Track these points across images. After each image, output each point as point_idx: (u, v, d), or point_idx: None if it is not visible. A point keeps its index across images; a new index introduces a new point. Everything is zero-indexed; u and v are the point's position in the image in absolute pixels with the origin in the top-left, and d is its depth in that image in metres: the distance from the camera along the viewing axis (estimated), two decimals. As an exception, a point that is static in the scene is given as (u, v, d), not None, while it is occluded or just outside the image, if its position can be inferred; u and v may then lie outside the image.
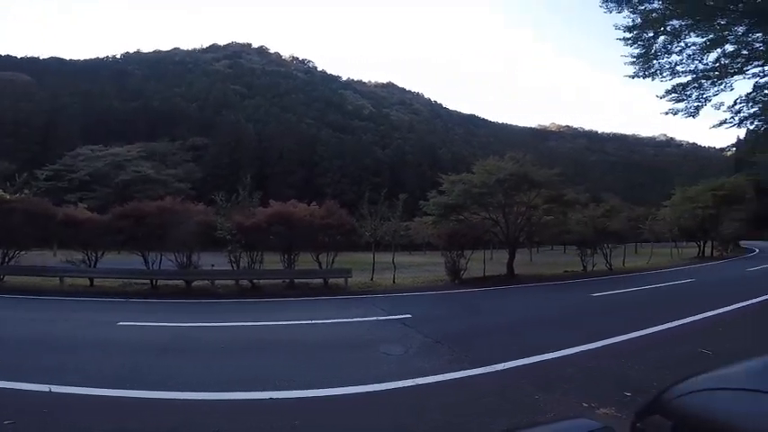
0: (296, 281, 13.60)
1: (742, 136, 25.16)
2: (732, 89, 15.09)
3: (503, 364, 4.98)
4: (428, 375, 4.67)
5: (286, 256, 13.98)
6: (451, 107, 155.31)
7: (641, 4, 13.53)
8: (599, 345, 5.78)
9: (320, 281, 13.72)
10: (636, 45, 14.45)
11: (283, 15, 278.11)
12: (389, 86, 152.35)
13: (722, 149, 51.63)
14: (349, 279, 13.53)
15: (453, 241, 14.94)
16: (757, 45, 13.12)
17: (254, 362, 5.54)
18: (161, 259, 12.95)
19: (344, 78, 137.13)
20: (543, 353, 5.39)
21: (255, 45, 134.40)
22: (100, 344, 6.10)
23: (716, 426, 0.52)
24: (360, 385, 4.42)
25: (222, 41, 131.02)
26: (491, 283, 14.21)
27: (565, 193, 17.48)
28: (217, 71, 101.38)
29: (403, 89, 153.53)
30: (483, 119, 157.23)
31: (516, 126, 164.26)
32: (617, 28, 14.60)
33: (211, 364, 5.31)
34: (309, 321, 8.11)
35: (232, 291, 12.69)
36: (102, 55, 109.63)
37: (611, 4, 13.98)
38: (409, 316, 8.42)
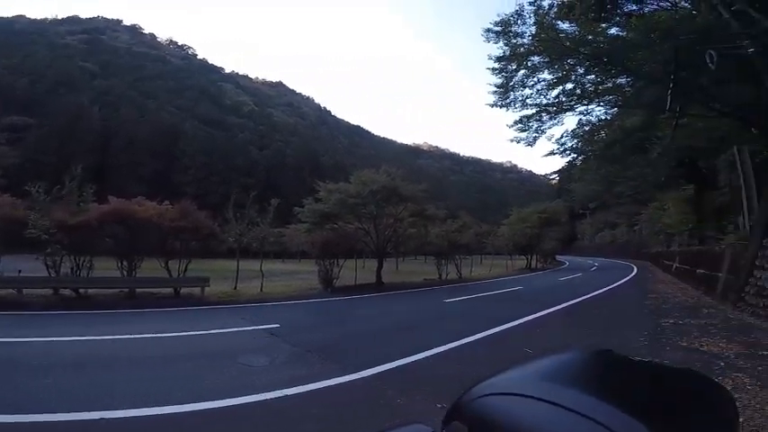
0: (138, 290, 12.01)
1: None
2: (563, 124, 18.87)
3: (368, 370, 5.19)
4: (297, 385, 4.60)
5: (125, 263, 12.24)
6: (339, 116, 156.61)
7: (514, 37, 15.87)
8: (451, 346, 6.46)
9: (170, 290, 12.40)
10: (500, 75, 16.90)
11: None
12: (278, 86, 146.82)
13: (549, 177, 63.43)
14: (206, 288, 12.51)
15: (327, 249, 15.14)
16: (588, 86, 16.41)
17: (80, 380, 4.77)
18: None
19: (228, 71, 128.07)
20: (405, 357, 5.78)
21: (128, 23, 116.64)
22: None
23: (499, 429, 0.54)
24: (214, 400, 4.15)
25: (87, 15, 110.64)
26: (361, 291, 14.71)
27: (427, 209, 19.35)
28: (66, 45, 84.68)
29: (293, 91, 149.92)
30: (367, 131, 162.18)
31: (395, 142, 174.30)
32: (489, 58, 16.96)
33: (23, 384, 4.48)
34: (154, 335, 7.28)
35: (51, 302, 10.55)
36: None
37: (491, 35, 16.16)
38: (277, 326, 8.19)
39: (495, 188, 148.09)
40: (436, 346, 6.40)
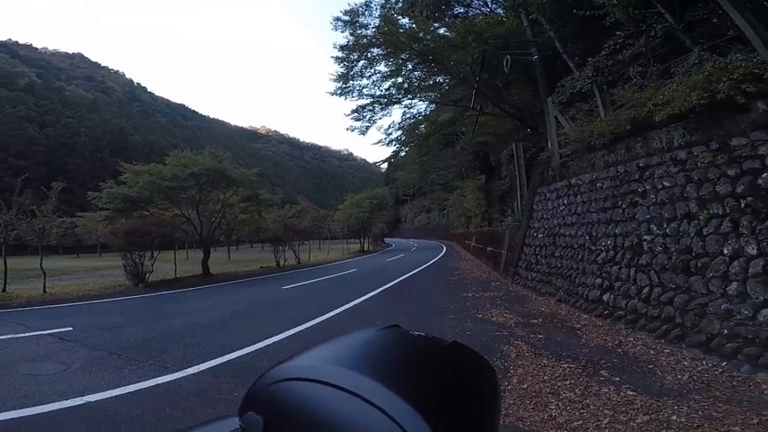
0: None
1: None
2: (390, 115, 20.56)
3: (197, 366, 4.77)
4: (104, 390, 4.01)
5: None
6: (159, 93, 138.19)
7: (360, 28, 16.26)
8: (290, 333, 6.33)
9: None
10: (343, 64, 17.21)
11: None
12: (76, 57, 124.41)
13: (378, 165, 68.57)
14: None
15: (135, 240, 12.85)
16: (414, 81, 18.00)
17: None
18: None
19: (1, 38, 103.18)
20: (240, 349, 5.45)
21: None
22: None
23: (292, 417, 0.54)
24: None
25: None
26: (183, 285, 13.20)
27: (260, 193, 18.49)
28: None
29: (96, 63, 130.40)
30: (193, 110, 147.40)
31: (229, 123, 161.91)
32: (334, 47, 17.00)
33: None
34: None
35: None
36: None
37: (340, 24, 16.25)
38: (70, 329, 6.80)
39: (333, 174, 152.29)
40: (276, 334, 6.21)
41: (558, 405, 3.62)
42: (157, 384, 4.25)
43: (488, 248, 16.69)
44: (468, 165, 24.74)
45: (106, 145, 65.93)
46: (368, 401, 0.50)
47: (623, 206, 6.88)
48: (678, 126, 5.93)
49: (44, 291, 11.32)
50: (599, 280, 7.12)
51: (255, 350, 5.50)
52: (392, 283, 12.06)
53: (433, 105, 22.41)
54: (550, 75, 11.66)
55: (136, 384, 4.22)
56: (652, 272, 5.89)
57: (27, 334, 6.62)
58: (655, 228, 6.07)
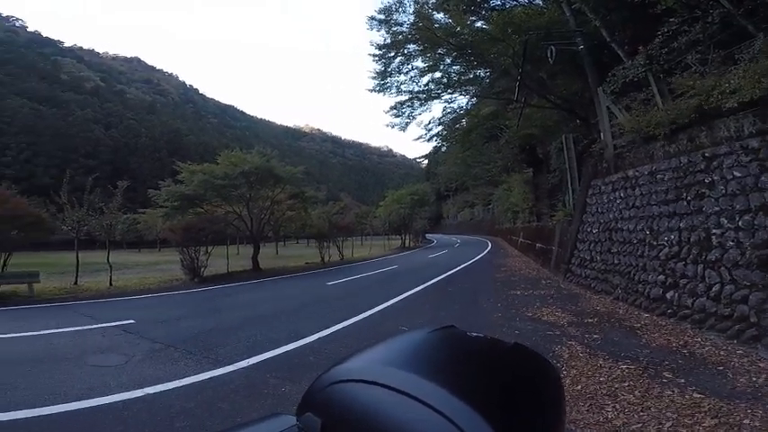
0: None
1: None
2: (430, 111, 20.47)
3: (248, 360, 4.91)
4: (162, 383, 4.19)
5: None
6: (210, 94, 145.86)
7: (395, 25, 16.37)
8: (336, 329, 6.42)
9: None
10: (380, 62, 17.39)
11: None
12: (134, 61, 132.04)
13: (419, 161, 68.23)
14: (36, 284, 10.69)
15: (191, 236, 13.60)
16: (453, 76, 17.83)
17: None
18: None
19: (68, 44, 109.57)
20: (287, 344, 5.58)
21: None
22: None
23: (348, 418, 0.54)
24: (60, 404, 3.61)
25: None
26: (236, 279, 13.81)
27: (306, 191, 18.97)
28: None
29: (152, 67, 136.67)
30: (241, 111, 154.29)
31: (274, 123, 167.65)
32: (372, 45, 17.24)
33: None
34: None
35: None
36: None
37: (375, 23, 16.43)
38: (132, 321, 7.27)
39: (374, 171, 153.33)
40: (321, 330, 6.30)
41: (614, 407, 3.44)
42: (210, 378, 4.41)
43: (537, 245, 16.12)
44: (514, 158, 23.97)
45: (164, 145, 69.98)
46: (426, 404, 0.49)
47: (688, 198, 6.38)
48: (748, 114, 5.49)
49: (110, 284, 12.25)
50: (661, 277, 6.65)
51: (301, 345, 5.62)
52: (434, 281, 11.91)
53: (474, 99, 21.92)
54: (598, 64, 11.12)
55: (190, 377, 4.40)
56: (723, 268, 5.42)
57: (95, 326, 7.11)
58: (725, 221, 5.57)
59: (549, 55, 11.55)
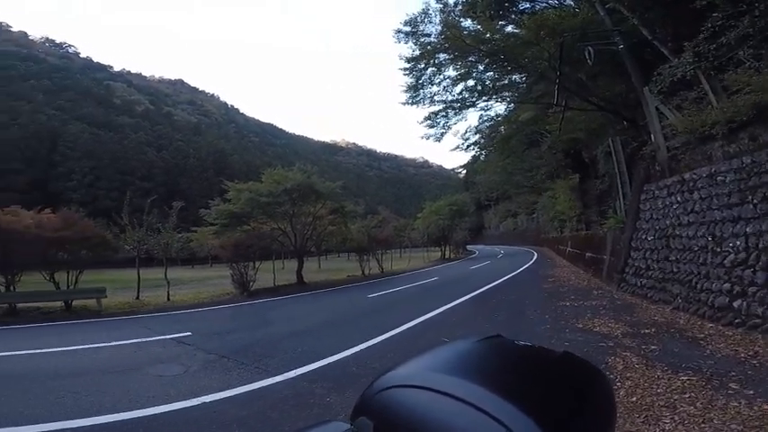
0: (20, 306, 10.75)
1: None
2: (466, 120, 20.24)
3: (295, 371, 5.05)
4: (216, 392, 4.41)
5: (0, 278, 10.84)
6: (249, 113, 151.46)
7: (422, 37, 16.50)
8: (377, 341, 6.49)
9: (60, 304, 11.24)
10: (411, 75, 17.54)
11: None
12: (178, 84, 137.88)
13: (457, 171, 67.48)
14: (103, 300, 11.43)
15: (240, 252, 14.21)
16: (487, 82, 17.64)
17: None
18: None
19: (117, 69, 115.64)
20: (331, 355, 5.70)
21: None
22: None
23: (399, 422, 0.55)
24: (124, 412, 3.83)
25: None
26: (282, 293, 14.22)
27: (345, 205, 19.30)
28: None
29: (195, 88, 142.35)
30: (281, 129, 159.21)
31: (312, 139, 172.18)
32: (401, 58, 17.47)
33: None
34: (44, 350, 6.51)
35: None
36: None
37: (402, 35, 16.68)
38: (188, 334, 7.66)
39: (410, 183, 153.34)
40: (363, 342, 6.38)
41: (673, 419, 3.28)
42: (260, 387, 4.58)
43: (587, 254, 15.46)
44: (558, 164, 23.26)
45: (211, 165, 72.81)
46: (476, 407, 0.50)
47: (754, 201, 5.93)
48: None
49: (168, 298, 12.99)
50: (727, 285, 6.19)
51: (344, 357, 5.71)
52: (477, 292, 11.70)
53: (511, 105, 21.54)
54: (641, 63, 10.69)
55: (243, 387, 4.58)
56: (800, 277, 4.96)
57: (155, 338, 7.57)
58: (800, 225, 5.11)
59: (587, 56, 11.22)
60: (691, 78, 8.23)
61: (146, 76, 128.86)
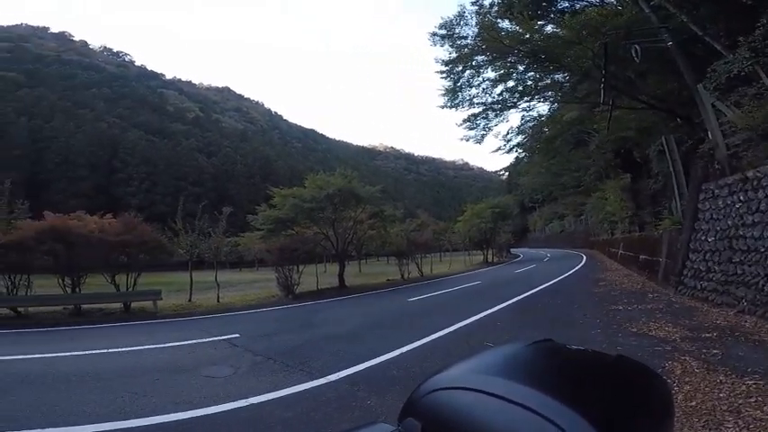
0: (83, 306, 11.56)
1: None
2: (507, 121, 19.70)
3: (337, 373, 5.15)
4: (263, 393, 4.55)
5: (67, 279, 11.77)
6: (292, 120, 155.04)
7: (458, 39, 16.40)
8: (417, 345, 6.50)
9: (120, 305, 11.99)
10: (448, 78, 17.43)
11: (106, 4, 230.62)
12: (225, 91, 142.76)
13: (499, 173, 65.81)
14: (159, 301, 12.12)
15: (285, 256, 14.73)
16: (529, 83, 17.20)
17: (35, 398, 4.60)
18: None
19: (169, 77, 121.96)
20: (372, 358, 5.77)
21: (56, 30, 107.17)
22: None
23: (448, 423, 0.55)
24: (177, 412, 4.05)
25: (9, 23, 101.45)
26: (324, 296, 14.53)
27: (385, 209, 19.45)
28: (-14, 54, 76.13)
29: (240, 96, 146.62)
30: (322, 134, 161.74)
31: (351, 144, 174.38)
32: (437, 61, 17.43)
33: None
34: (106, 350, 6.98)
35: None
36: None
37: (437, 38, 16.67)
38: (237, 335, 8.00)
39: (449, 186, 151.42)
40: (403, 345, 6.40)
41: (737, 423, 3.13)
42: (305, 389, 4.70)
43: (641, 256, 14.67)
44: (608, 164, 22.21)
45: (257, 171, 75.45)
46: (526, 407, 0.50)
47: (830, 201, 5.41)
48: None
49: (218, 300, 13.63)
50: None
51: (385, 360, 5.76)
52: (522, 296, 11.39)
53: (554, 105, 20.81)
54: (693, 59, 10.17)
55: (288, 389, 4.72)
56: None
57: (207, 339, 7.88)
58: None
59: (633, 54, 10.73)
60: (748, 74, 7.73)
61: (195, 84, 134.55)
